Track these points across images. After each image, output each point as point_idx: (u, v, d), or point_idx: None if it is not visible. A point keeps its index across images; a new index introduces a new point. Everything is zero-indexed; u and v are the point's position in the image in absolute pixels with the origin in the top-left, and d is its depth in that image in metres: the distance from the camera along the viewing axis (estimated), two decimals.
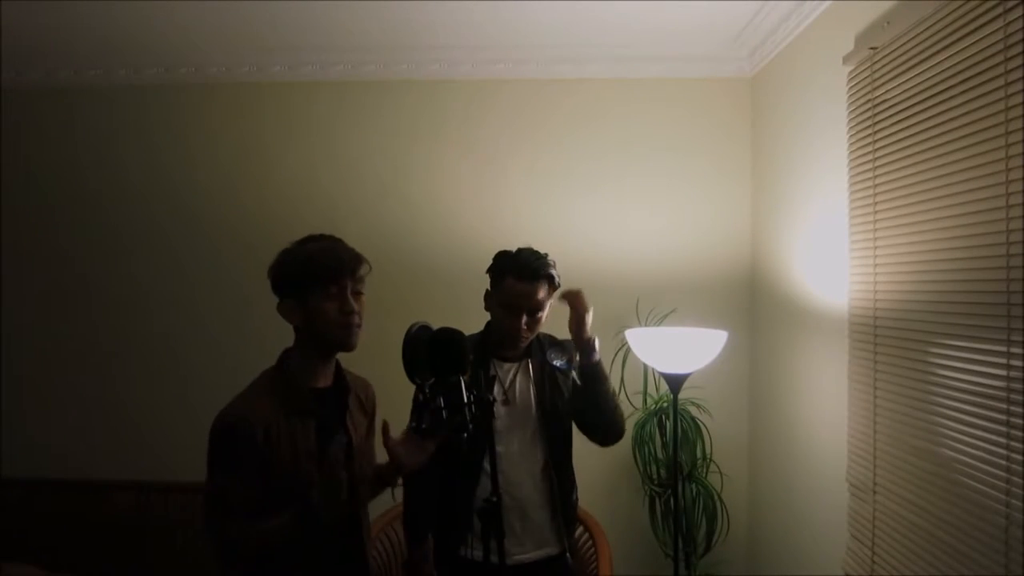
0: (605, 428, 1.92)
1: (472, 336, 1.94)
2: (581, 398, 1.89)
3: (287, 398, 1.45)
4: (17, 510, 2.73)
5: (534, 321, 1.84)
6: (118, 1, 2.37)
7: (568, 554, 1.93)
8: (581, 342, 1.84)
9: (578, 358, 1.88)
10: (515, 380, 1.91)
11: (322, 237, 1.52)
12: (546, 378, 1.92)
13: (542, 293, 1.82)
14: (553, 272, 1.86)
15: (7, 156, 3.00)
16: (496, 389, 1.87)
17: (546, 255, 1.89)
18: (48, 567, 2.44)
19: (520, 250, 1.88)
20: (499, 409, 1.85)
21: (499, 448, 1.84)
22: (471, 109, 2.94)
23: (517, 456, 1.88)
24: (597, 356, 1.86)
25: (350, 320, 1.45)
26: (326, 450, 1.47)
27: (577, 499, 2.02)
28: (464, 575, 1.81)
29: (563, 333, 2.03)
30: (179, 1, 2.37)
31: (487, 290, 1.92)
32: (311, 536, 1.42)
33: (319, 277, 1.43)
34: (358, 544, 1.58)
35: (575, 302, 1.84)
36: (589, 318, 1.84)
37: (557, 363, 1.93)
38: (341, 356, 1.56)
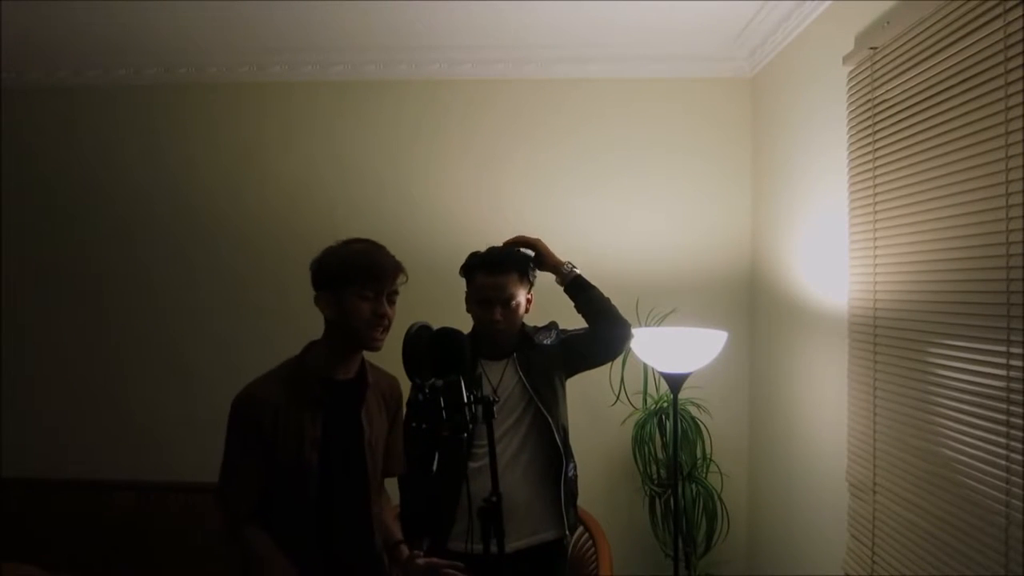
0: (614, 330, 1.99)
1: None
2: (582, 312, 2.00)
3: (298, 387, 1.53)
4: (18, 510, 2.73)
5: (509, 312, 1.88)
6: (118, 1, 2.37)
7: (568, 532, 1.95)
8: (551, 267, 2.00)
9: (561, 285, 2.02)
10: (503, 377, 1.92)
11: (366, 241, 1.61)
12: (535, 361, 1.94)
13: (513, 284, 1.88)
14: (523, 262, 1.92)
15: (8, 156, 3.00)
16: (485, 388, 1.88)
17: (516, 248, 1.95)
18: (48, 567, 2.44)
19: (491, 247, 1.95)
20: None
21: (483, 443, 1.87)
22: (471, 109, 2.94)
23: (509, 452, 1.89)
24: (572, 271, 2.01)
25: (381, 322, 1.53)
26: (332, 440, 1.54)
27: (575, 476, 2.03)
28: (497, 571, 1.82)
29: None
30: (179, 1, 2.38)
31: (466, 292, 1.96)
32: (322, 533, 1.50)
33: (357, 277, 1.51)
34: (366, 535, 1.62)
35: (525, 242, 2.02)
36: (546, 246, 2.02)
37: (546, 342, 1.99)
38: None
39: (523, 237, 2.05)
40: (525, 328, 2.01)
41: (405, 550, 1.66)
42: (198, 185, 2.97)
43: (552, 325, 2.06)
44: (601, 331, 1.99)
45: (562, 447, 1.93)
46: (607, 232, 2.89)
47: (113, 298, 2.99)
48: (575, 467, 2.02)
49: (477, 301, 1.90)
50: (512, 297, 1.87)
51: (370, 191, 2.94)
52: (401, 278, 1.58)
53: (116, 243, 2.99)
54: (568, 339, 2.02)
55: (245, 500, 1.51)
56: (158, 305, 2.97)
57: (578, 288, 2.00)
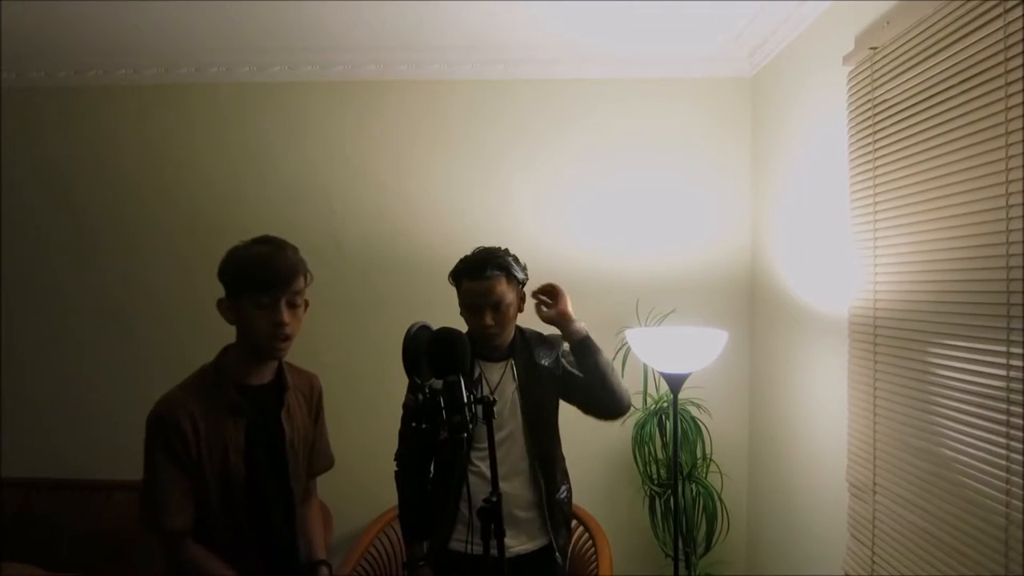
0: (605, 402, 1.92)
1: None
2: (584, 374, 1.90)
3: (216, 395, 1.49)
4: (17, 510, 2.73)
5: (500, 316, 1.85)
6: (118, 1, 2.37)
7: (557, 553, 1.92)
8: (563, 319, 1.90)
9: (566, 345, 1.93)
10: (500, 380, 1.91)
11: (268, 241, 1.53)
12: (531, 377, 1.92)
13: (500, 287, 1.84)
14: (508, 263, 1.87)
15: (7, 155, 3.00)
16: (484, 389, 1.88)
17: (501, 249, 1.90)
18: (48, 567, 2.44)
19: (474, 250, 1.91)
20: None
21: (486, 445, 1.87)
22: (471, 109, 2.94)
23: (503, 455, 1.88)
24: (583, 332, 1.88)
25: (278, 332, 1.47)
26: (255, 447, 1.51)
27: (568, 498, 2.01)
28: (460, 569, 1.82)
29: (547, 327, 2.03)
30: (179, 1, 2.38)
31: (458, 297, 1.93)
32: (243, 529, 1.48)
33: (250, 284, 1.45)
34: (290, 538, 1.61)
35: (547, 291, 1.91)
36: (564, 301, 1.89)
37: (544, 362, 1.95)
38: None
39: (547, 285, 1.94)
40: (525, 333, 1.99)
41: (325, 572, 1.64)
42: (198, 185, 2.97)
43: (555, 343, 1.99)
44: (597, 400, 1.91)
45: (541, 470, 1.90)
46: (607, 232, 2.89)
47: (112, 298, 2.98)
48: (568, 490, 2.01)
49: (466, 307, 1.87)
50: (500, 300, 1.84)
51: (370, 191, 2.94)
52: (300, 281, 1.49)
53: (116, 243, 2.99)
54: (568, 377, 1.95)
55: (185, 516, 1.44)
56: (158, 304, 2.97)
57: (586, 350, 1.89)
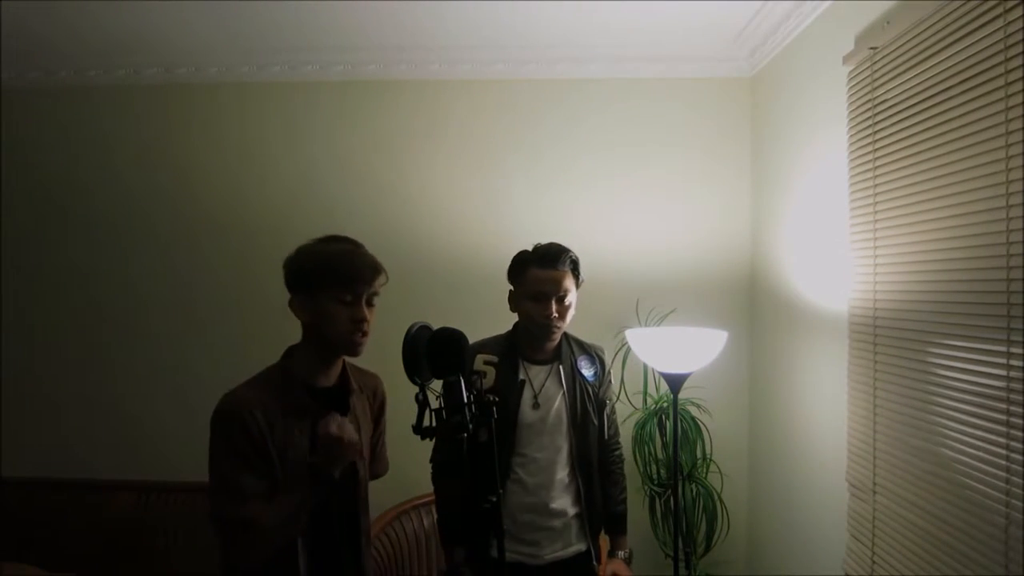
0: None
1: (498, 337, 1.96)
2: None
3: (285, 396, 1.45)
4: (17, 510, 2.73)
5: (563, 308, 1.85)
6: (118, 1, 2.37)
7: (595, 562, 1.93)
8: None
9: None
10: (545, 384, 1.90)
11: (344, 240, 1.52)
12: (576, 384, 1.92)
13: (567, 280, 1.84)
14: (577, 261, 1.89)
15: (7, 156, 3.00)
16: (527, 393, 1.87)
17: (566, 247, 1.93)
18: (48, 567, 2.44)
19: (537, 244, 1.92)
20: (529, 413, 1.87)
21: (529, 452, 1.87)
22: (471, 109, 2.94)
23: (546, 460, 1.88)
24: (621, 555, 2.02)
25: (359, 328, 1.45)
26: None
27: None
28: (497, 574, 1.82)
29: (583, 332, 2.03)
30: (179, 1, 2.38)
31: (511, 291, 1.92)
32: (319, 506, 1.43)
33: (334, 280, 1.43)
34: (356, 548, 1.58)
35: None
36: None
37: (585, 372, 1.94)
38: None
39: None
40: (569, 337, 1.98)
41: None
42: (198, 185, 2.97)
43: (595, 357, 2.00)
44: (606, 472, 2.03)
45: (582, 477, 1.92)
46: (607, 232, 2.89)
47: (113, 298, 2.98)
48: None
49: (531, 296, 1.84)
50: (567, 293, 1.84)
51: (370, 191, 2.94)
52: (381, 279, 1.50)
53: (115, 243, 2.99)
54: (599, 404, 1.98)
55: (256, 504, 1.38)
56: (157, 305, 2.97)
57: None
